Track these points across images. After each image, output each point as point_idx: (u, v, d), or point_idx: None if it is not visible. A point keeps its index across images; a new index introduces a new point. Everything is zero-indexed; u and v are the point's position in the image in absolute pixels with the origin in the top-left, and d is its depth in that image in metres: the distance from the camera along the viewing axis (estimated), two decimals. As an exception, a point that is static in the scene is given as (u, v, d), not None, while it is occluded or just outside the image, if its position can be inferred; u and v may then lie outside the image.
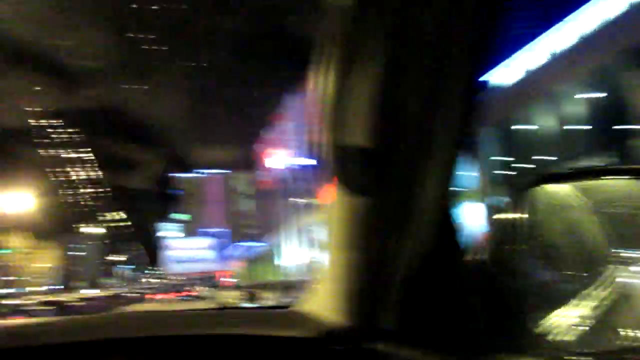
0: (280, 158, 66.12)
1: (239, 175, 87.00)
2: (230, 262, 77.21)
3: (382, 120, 0.80)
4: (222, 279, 75.45)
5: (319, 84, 0.78)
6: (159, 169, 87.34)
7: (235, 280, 62.98)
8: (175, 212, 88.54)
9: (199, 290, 38.80)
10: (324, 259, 1.01)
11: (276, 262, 46.43)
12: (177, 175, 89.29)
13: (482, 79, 0.83)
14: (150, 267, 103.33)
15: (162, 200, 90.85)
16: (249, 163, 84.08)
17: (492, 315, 0.96)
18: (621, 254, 1.07)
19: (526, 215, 1.05)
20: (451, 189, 0.90)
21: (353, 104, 0.77)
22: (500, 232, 1.09)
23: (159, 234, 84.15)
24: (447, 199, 0.92)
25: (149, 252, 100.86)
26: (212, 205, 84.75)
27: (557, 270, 1.12)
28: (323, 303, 1.01)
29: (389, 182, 0.84)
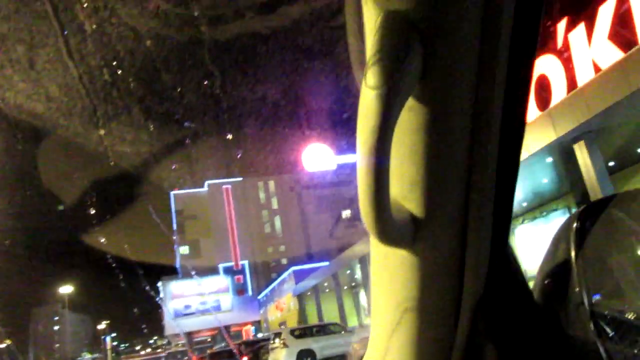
0: (325, 155, 45.22)
1: (266, 182, 62.95)
2: (262, 307, 52.84)
3: (427, 167, 0.75)
4: (249, 333, 51.73)
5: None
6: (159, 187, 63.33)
7: (265, 333, 39.13)
8: (178, 244, 63.56)
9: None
10: (374, 314, 0.89)
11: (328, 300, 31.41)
12: (179, 191, 64.36)
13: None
14: (149, 330, 79.08)
15: (160, 232, 66.33)
16: (280, 165, 61.02)
17: None
18: None
19: (583, 246, 1.01)
20: (508, 223, 0.85)
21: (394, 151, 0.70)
22: (555, 265, 1.04)
23: (159, 285, 59.41)
24: (505, 236, 0.86)
25: (145, 309, 75.97)
26: (227, 228, 59.97)
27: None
28: None
29: (437, 232, 0.78)
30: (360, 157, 0.67)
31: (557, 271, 1.01)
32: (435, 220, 0.77)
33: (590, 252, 1.00)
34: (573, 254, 0.99)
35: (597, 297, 0.96)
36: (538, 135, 11.42)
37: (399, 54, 0.67)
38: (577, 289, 0.95)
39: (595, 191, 10.01)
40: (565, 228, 1.04)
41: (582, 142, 10.32)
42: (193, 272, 56.12)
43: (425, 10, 0.68)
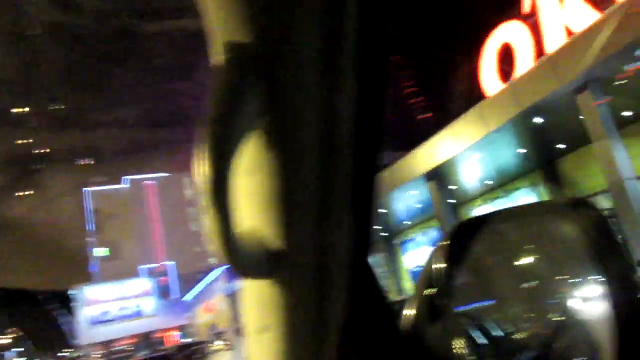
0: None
1: (188, 179, 59.41)
2: (189, 309, 49.40)
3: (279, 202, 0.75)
4: (171, 339, 48.26)
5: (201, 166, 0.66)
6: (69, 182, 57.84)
7: (195, 337, 36.45)
8: (93, 246, 58.21)
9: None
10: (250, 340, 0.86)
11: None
12: (95, 189, 58.99)
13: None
14: (60, 342, 72.35)
15: (70, 237, 60.61)
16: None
17: None
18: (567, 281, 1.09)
19: (459, 262, 1.06)
20: (368, 245, 0.85)
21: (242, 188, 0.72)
22: (432, 282, 1.06)
23: (69, 289, 54.05)
24: (367, 257, 0.86)
25: (55, 317, 69.43)
26: (150, 228, 55.75)
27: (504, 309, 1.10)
28: None
29: (295, 263, 0.78)
30: (204, 198, 0.66)
31: (435, 285, 1.03)
32: (293, 251, 0.77)
33: (470, 265, 1.03)
34: (451, 268, 1.01)
35: (472, 308, 1.00)
36: (532, 90, 10.07)
37: (237, 89, 0.66)
38: (452, 302, 0.98)
39: (606, 147, 8.70)
40: (443, 243, 1.07)
41: (588, 93, 8.96)
42: (110, 276, 51.58)
43: (266, 44, 0.67)
